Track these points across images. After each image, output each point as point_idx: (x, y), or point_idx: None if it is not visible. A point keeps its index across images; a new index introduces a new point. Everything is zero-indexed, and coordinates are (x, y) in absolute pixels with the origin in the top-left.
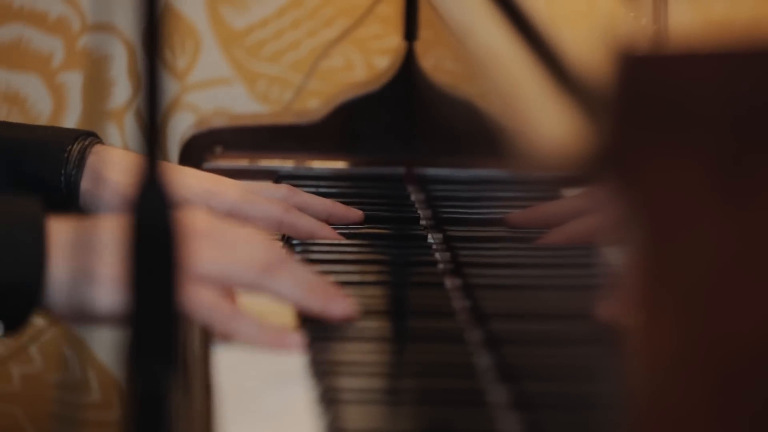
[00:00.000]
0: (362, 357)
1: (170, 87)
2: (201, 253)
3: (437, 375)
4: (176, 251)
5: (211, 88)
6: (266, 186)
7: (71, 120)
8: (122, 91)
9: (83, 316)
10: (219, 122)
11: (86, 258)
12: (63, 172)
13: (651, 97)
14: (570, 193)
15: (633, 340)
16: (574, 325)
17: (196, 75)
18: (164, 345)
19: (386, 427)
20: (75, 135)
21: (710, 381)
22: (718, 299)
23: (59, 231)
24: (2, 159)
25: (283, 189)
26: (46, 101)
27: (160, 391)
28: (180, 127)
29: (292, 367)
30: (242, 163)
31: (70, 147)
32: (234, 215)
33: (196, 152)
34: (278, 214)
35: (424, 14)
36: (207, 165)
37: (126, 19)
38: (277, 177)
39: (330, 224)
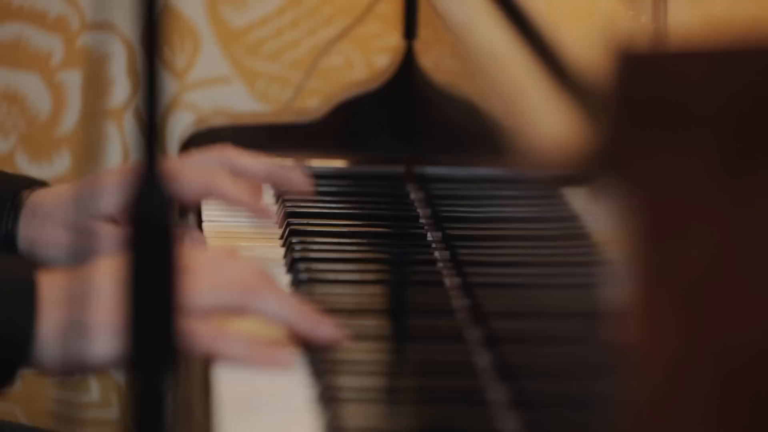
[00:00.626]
0: (361, 356)
1: (169, 86)
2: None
3: (436, 374)
4: (175, 250)
5: (210, 87)
6: (205, 154)
7: (70, 119)
8: (121, 89)
9: (76, 368)
10: (218, 121)
11: (77, 310)
12: (1, 225)
13: (650, 95)
14: (570, 191)
15: (632, 339)
16: (574, 323)
17: (195, 74)
18: (164, 344)
19: (385, 425)
20: (13, 184)
21: (709, 380)
22: (717, 299)
23: (49, 286)
24: None
25: (217, 152)
26: (46, 100)
27: (159, 390)
28: (179, 126)
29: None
30: None
31: (7, 199)
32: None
33: (194, 151)
34: (206, 181)
35: (423, 13)
36: None
37: (125, 17)
38: None
39: (275, 190)
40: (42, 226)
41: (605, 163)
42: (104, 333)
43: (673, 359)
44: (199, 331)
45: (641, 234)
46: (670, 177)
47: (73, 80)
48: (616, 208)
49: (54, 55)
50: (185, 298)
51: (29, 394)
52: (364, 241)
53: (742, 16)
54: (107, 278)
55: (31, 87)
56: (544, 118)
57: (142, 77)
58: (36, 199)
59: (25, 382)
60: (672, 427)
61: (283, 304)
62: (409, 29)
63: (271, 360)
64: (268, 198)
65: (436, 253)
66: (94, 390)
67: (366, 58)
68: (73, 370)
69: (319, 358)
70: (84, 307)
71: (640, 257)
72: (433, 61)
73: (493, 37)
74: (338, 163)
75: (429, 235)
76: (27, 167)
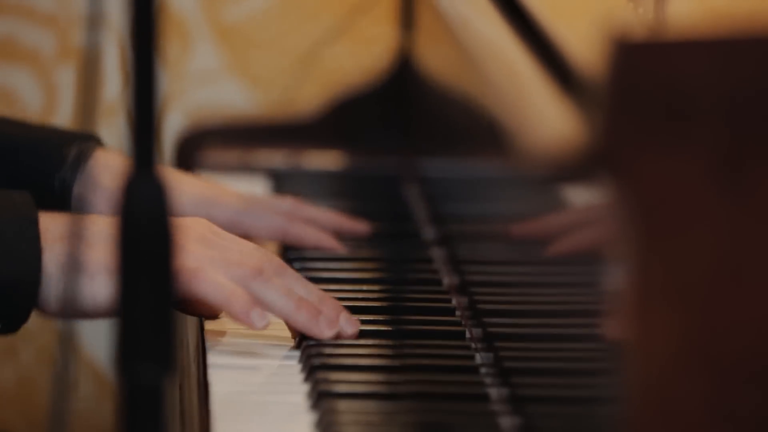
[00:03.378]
0: (357, 355)
1: (163, 82)
2: (190, 250)
3: (434, 372)
4: (170, 243)
5: (204, 84)
6: (270, 197)
7: (63, 114)
8: (115, 85)
9: (76, 309)
10: (212, 118)
11: (77, 251)
12: (57, 176)
13: (646, 87)
14: (567, 188)
15: (629, 337)
16: (571, 322)
17: (189, 70)
18: (158, 343)
19: (382, 425)
20: (73, 137)
21: (707, 379)
22: (714, 297)
23: (50, 225)
24: None
25: (288, 201)
26: (38, 95)
27: (154, 391)
28: (173, 123)
29: (287, 365)
30: (236, 157)
31: (67, 150)
32: (236, 225)
33: (189, 148)
34: (283, 225)
35: (420, 7)
36: (200, 160)
37: (119, 13)
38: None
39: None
40: (102, 192)
41: (601, 159)
42: (102, 276)
43: (669, 357)
44: (180, 266)
45: (638, 231)
46: (667, 172)
47: (65, 76)
48: (613, 205)
49: (47, 51)
50: (195, 262)
51: (23, 396)
52: (361, 240)
53: (743, 8)
54: (105, 226)
55: (23, 82)
56: (542, 114)
57: (133, 74)
58: (105, 163)
59: (19, 384)
60: (669, 425)
61: (287, 297)
62: (407, 24)
63: (245, 315)
64: None
65: (433, 252)
66: (88, 392)
67: (363, 54)
68: (73, 312)
69: (314, 357)
70: (82, 250)
71: (637, 254)
72: (430, 56)
73: (491, 31)
74: (334, 160)
75: (426, 233)
76: None
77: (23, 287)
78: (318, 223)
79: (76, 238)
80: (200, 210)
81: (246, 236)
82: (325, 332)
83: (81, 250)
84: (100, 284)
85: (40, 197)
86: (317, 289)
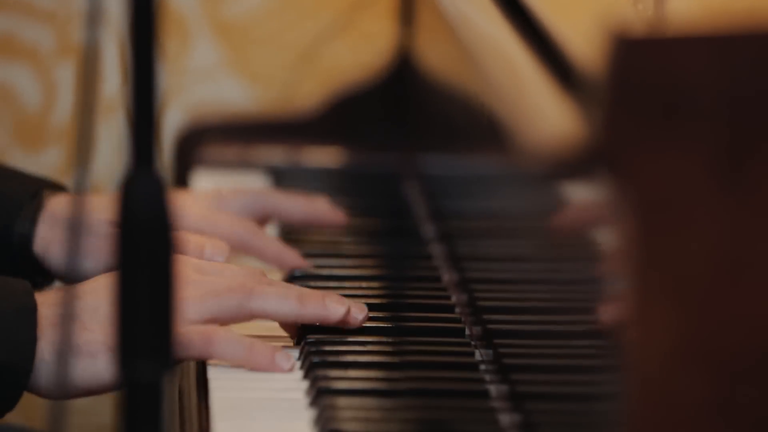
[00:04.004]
0: (357, 351)
1: (162, 79)
2: (182, 300)
3: (433, 369)
4: (169, 240)
5: (204, 80)
6: (237, 192)
7: (62, 111)
8: (115, 82)
9: (72, 390)
10: (212, 115)
11: (72, 330)
12: (17, 222)
13: (646, 83)
14: (567, 185)
15: (627, 334)
16: (571, 318)
17: (188, 67)
18: (157, 340)
19: (382, 422)
20: (30, 183)
21: (706, 376)
22: (714, 294)
23: (46, 311)
24: None
25: (251, 195)
26: (37, 92)
27: (153, 388)
28: (172, 120)
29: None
30: (235, 154)
31: (24, 196)
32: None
33: (188, 145)
34: (243, 236)
35: (420, 4)
36: (200, 157)
37: (118, 9)
38: (274, 173)
39: (309, 226)
40: (63, 233)
41: (600, 155)
42: (101, 354)
43: (668, 353)
44: (191, 334)
45: (637, 227)
46: (667, 169)
47: (65, 73)
48: (611, 202)
49: (46, 47)
50: (184, 310)
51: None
52: (360, 236)
53: (742, 4)
54: (103, 297)
55: (23, 79)
56: (541, 110)
57: (131, 70)
58: (59, 206)
59: None
60: (667, 421)
61: (285, 299)
62: (407, 20)
63: (270, 363)
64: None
65: (432, 248)
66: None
67: (362, 50)
68: (70, 393)
69: (314, 353)
70: (79, 328)
71: (636, 251)
72: (430, 52)
73: (491, 27)
74: (334, 156)
75: (425, 230)
76: (18, 160)
77: (15, 375)
78: (285, 213)
79: (71, 320)
80: None
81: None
82: (337, 311)
83: (77, 332)
84: (102, 364)
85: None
86: (308, 289)
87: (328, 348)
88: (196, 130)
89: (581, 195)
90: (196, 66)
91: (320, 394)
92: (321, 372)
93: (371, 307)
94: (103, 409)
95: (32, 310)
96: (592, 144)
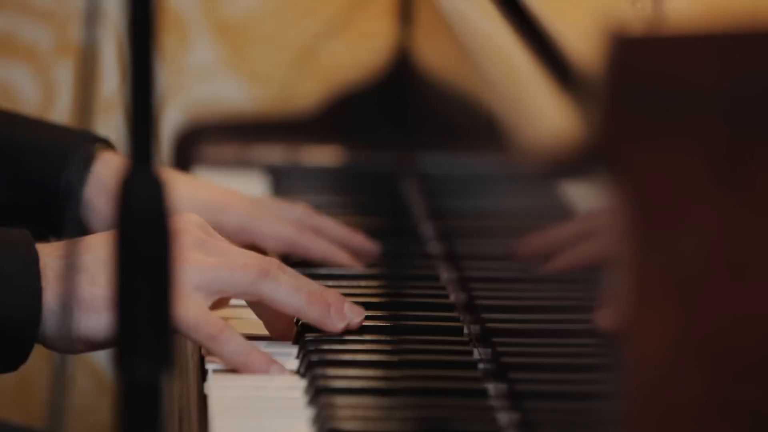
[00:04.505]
0: (356, 350)
1: (161, 78)
2: (192, 260)
3: (432, 368)
4: (168, 239)
5: (202, 79)
6: (281, 203)
7: (61, 110)
8: (113, 81)
9: (75, 342)
10: (210, 114)
11: (74, 283)
12: (63, 176)
13: (645, 82)
14: (565, 184)
15: (628, 334)
16: (570, 318)
17: (187, 66)
18: (156, 340)
19: (380, 421)
20: (80, 137)
21: (704, 374)
22: (712, 293)
23: (50, 262)
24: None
25: (299, 209)
26: (36, 91)
27: (151, 387)
28: (171, 119)
29: (285, 360)
30: (234, 153)
31: (75, 151)
32: (244, 232)
33: (187, 143)
34: (292, 234)
35: (419, 3)
36: (198, 156)
37: (117, 8)
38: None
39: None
40: (107, 202)
41: (599, 154)
42: (106, 309)
43: (667, 352)
44: (203, 321)
45: (635, 226)
46: (665, 168)
47: (63, 72)
48: (610, 200)
49: (44, 47)
50: (193, 275)
51: (22, 396)
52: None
53: (741, 3)
54: (103, 252)
55: (21, 78)
56: (540, 109)
57: (130, 69)
58: (107, 170)
59: (18, 383)
60: (666, 420)
61: (297, 292)
62: (406, 19)
63: (266, 369)
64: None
65: (431, 247)
66: (87, 391)
67: (361, 49)
68: (74, 345)
69: (312, 352)
70: (86, 281)
71: (634, 249)
72: (428, 51)
73: (489, 26)
74: (332, 155)
75: (424, 228)
76: None
77: (24, 326)
78: (327, 235)
79: (72, 270)
80: (207, 215)
81: (252, 244)
82: (338, 325)
83: (83, 285)
84: (106, 319)
85: (44, 198)
86: (316, 283)
87: (326, 347)
88: (195, 129)
89: (579, 194)
90: (195, 65)
91: (318, 393)
92: (319, 371)
93: (369, 306)
94: (102, 408)
95: (34, 260)
96: (590, 143)
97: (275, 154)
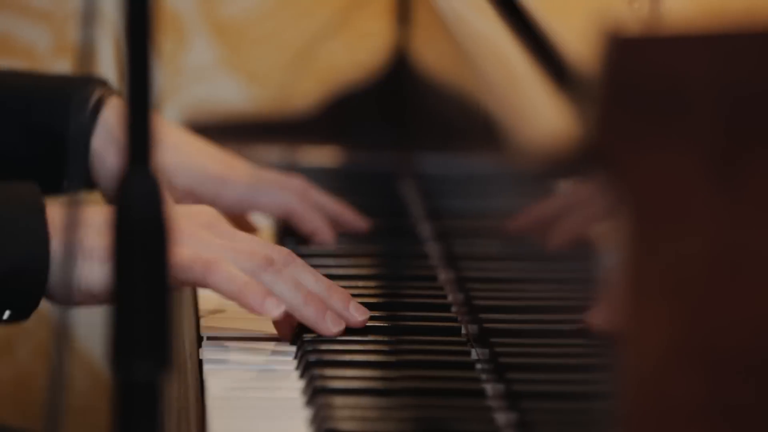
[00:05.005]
0: (354, 351)
1: (158, 78)
2: (199, 236)
3: (430, 368)
4: (165, 239)
5: (200, 80)
6: (280, 174)
7: None
8: (111, 81)
9: (75, 293)
10: (208, 114)
11: (77, 238)
12: (74, 121)
13: (641, 81)
14: (562, 183)
15: (625, 333)
16: (568, 318)
17: (185, 66)
18: (154, 339)
19: (378, 421)
20: (87, 82)
21: (701, 374)
22: (709, 292)
23: (56, 215)
24: (7, 106)
25: (298, 179)
26: None
27: (149, 387)
28: (168, 119)
29: (283, 360)
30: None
31: (81, 94)
32: (245, 202)
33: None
34: (291, 202)
35: (417, 3)
36: None
37: (114, 8)
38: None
39: (335, 227)
40: (116, 150)
41: (595, 154)
42: (103, 256)
43: (664, 352)
44: (193, 260)
45: (632, 225)
46: (662, 167)
47: (61, 71)
48: (607, 200)
49: (42, 46)
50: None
51: (19, 395)
52: (356, 235)
53: (738, 3)
54: (101, 214)
55: None
56: (537, 109)
57: (128, 70)
58: (113, 116)
59: (15, 382)
60: (663, 420)
61: (295, 290)
62: (403, 19)
63: (259, 305)
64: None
65: (429, 248)
66: (84, 391)
67: (359, 49)
68: (73, 296)
69: (310, 353)
70: (91, 234)
71: (631, 249)
72: (426, 52)
73: (486, 27)
74: (330, 155)
75: (421, 229)
76: None
77: (33, 275)
78: (324, 209)
79: (74, 226)
80: (209, 188)
81: (252, 212)
82: (332, 329)
83: (88, 237)
84: (97, 269)
85: (54, 145)
86: (325, 279)
87: (324, 347)
88: (193, 129)
89: (577, 193)
90: (193, 65)
91: (316, 394)
92: (317, 371)
93: (367, 306)
94: (100, 409)
95: (41, 210)
96: (587, 143)
97: (273, 154)
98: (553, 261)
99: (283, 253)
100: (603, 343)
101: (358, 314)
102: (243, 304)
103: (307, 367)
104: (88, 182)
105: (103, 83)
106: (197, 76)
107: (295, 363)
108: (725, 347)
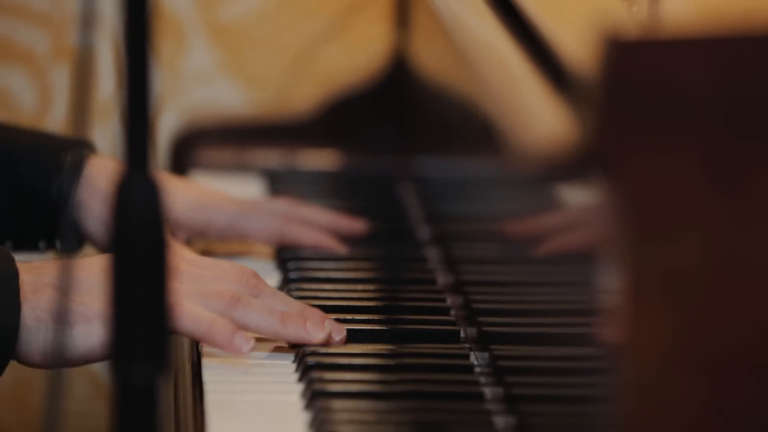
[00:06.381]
0: (352, 354)
1: (157, 82)
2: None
3: (429, 372)
4: (164, 243)
5: (199, 83)
6: (266, 200)
7: (57, 114)
8: (109, 85)
9: (61, 359)
10: (207, 118)
11: (63, 299)
12: (55, 181)
13: (639, 85)
14: (561, 186)
15: (624, 338)
16: (567, 322)
17: (184, 70)
18: (152, 343)
19: (376, 425)
20: (68, 143)
21: (701, 378)
22: (708, 295)
23: (28, 277)
24: None
25: (283, 203)
26: (32, 95)
27: (148, 391)
28: (167, 123)
29: (282, 364)
30: (231, 157)
31: (64, 156)
32: (233, 228)
33: (184, 148)
34: (279, 227)
35: (416, 6)
36: (195, 160)
37: (113, 12)
38: (269, 176)
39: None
40: (100, 204)
41: (594, 157)
42: (91, 322)
43: (663, 356)
44: (188, 309)
45: (631, 229)
46: (660, 170)
47: (60, 76)
48: (605, 203)
49: (41, 51)
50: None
51: (19, 400)
52: (356, 239)
53: (736, 6)
54: (95, 269)
55: (18, 83)
56: (535, 112)
57: (127, 74)
58: (97, 174)
59: (15, 387)
60: (662, 424)
61: (268, 315)
62: (402, 23)
63: (228, 343)
64: None
65: (428, 251)
66: (83, 396)
67: (358, 52)
68: (59, 361)
69: (309, 356)
70: (71, 296)
71: (630, 252)
72: (425, 55)
73: (485, 30)
74: (329, 159)
75: (420, 232)
76: None
77: (1, 342)
78: (315, 223)
79: (62, 288)
80: (197, 214)
81: (243, 239)
82: (316, 336)
83: (68, 301)
84: (96, 330)
85: (38, 203)
86: (296, 301)
87: (323, 350)
88: (192, 133)
89: (575, 197)
90: (192, 69)
91: (315, 397)
92: (316, 375)
93: (366, 310)
94: (99, 413)
95: (14, 276)
96: (585, 146)
97: (272, 158)
98: (552, 264)
99: (251, 281)
100: (602, 347)
101: (336, 333)
102: (212, 344)
103: (306, 370)
104: (77, 235)
105: (88, 145)
106: (196, 79)
107: (294, 366)
108: (724, 352)
